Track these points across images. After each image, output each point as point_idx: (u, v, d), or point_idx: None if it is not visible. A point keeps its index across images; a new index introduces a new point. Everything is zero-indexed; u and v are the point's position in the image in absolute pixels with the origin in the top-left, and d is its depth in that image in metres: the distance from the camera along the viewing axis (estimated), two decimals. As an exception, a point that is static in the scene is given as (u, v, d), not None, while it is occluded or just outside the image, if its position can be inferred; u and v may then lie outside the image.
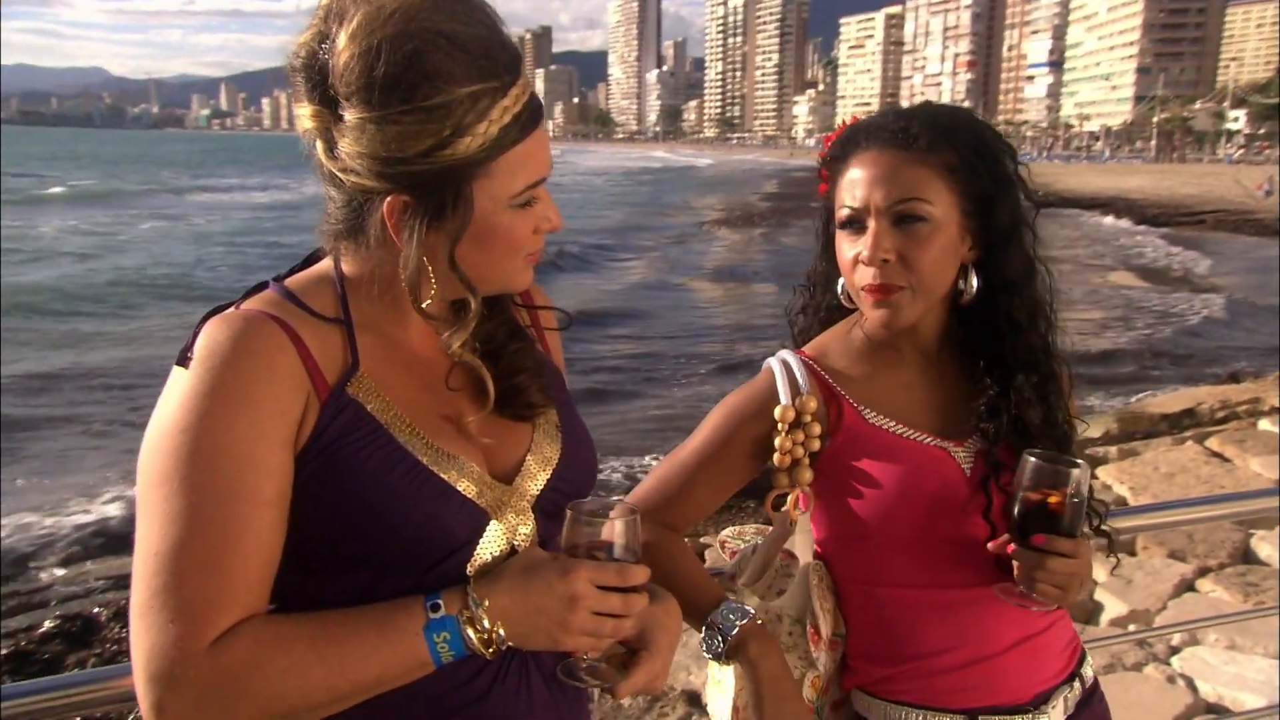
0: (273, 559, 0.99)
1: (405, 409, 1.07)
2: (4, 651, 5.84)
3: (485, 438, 1.12)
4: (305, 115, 1.03)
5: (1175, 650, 4.06)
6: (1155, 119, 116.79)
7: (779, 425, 1.40)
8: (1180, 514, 2.64)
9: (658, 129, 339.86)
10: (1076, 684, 1.46)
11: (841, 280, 1.45)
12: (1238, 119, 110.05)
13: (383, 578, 1.03)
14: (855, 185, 1.37)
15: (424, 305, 1.06)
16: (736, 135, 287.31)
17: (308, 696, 0.96)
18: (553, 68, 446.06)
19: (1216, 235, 36.97)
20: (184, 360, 0.99)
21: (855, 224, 1.37)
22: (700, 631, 1.40)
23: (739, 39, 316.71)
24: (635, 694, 1.11)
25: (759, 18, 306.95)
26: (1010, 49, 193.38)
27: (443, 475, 1.05)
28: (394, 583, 1.02)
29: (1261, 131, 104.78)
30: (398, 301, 1.08)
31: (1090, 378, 13.52)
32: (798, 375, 1.43)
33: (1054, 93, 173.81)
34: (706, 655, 1.39)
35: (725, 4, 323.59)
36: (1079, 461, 1.31)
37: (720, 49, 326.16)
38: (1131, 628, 4.38)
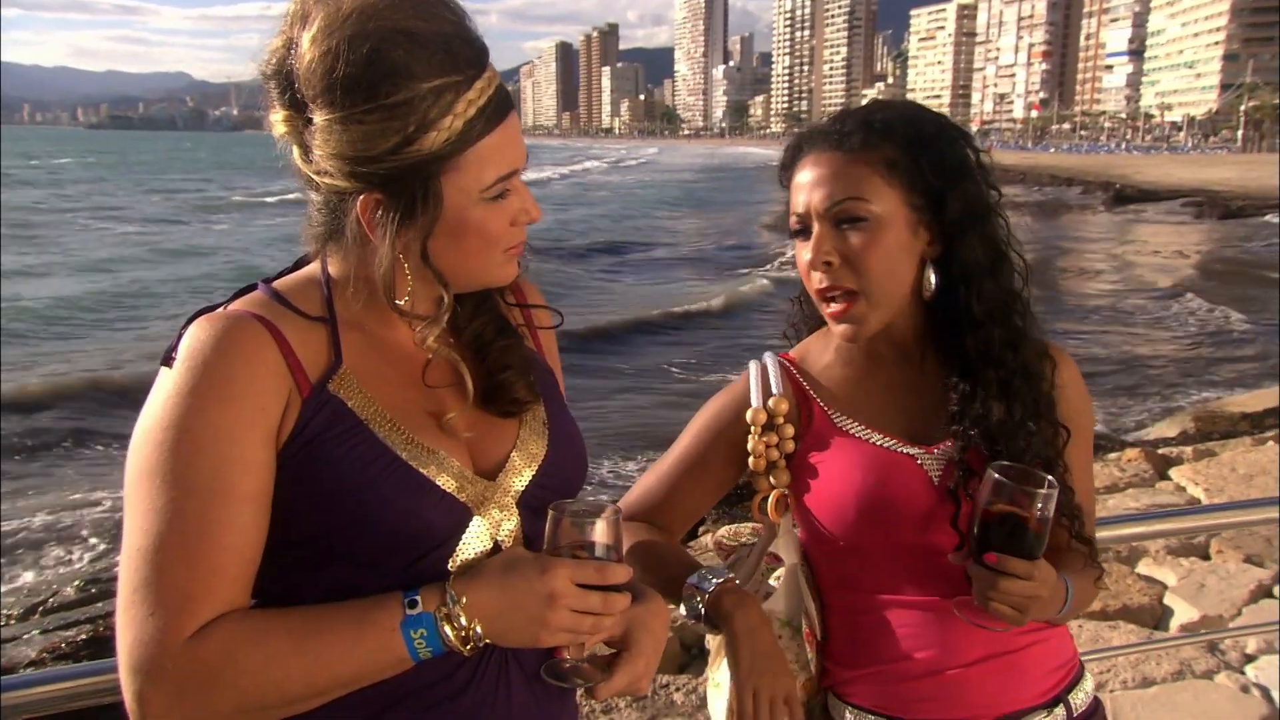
0: (254, 554, 1.01)
1: (387, 405, 1.08)
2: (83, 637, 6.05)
3: (470, 434, 1.13)
4: (278, 121, 1.06)
5: (1250, 658, 3.90)
6: (1243, 108, 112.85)
7: (751, 427, 1.41)
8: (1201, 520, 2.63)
9: (723, 125, 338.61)
10: (1060, 709, 1.39)
11: None
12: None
13: (364, 573, 1.04)
14: (799, 191, 1.36)
15: (400, 302, 1.07)
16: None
17: (285, 690, 0.97)
18: (618, 65, 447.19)
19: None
20: (168, 359, 1.01)
21: (803, 231, 1.36)
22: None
23: (807, 32, 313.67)
24: (617, 695, 1.10)
25: (827, 11, 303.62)
26: (1088, 38, 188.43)
27: (422, 470, 1.06)
28: (375, 578, 1.03)
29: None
30: (380, 300, 1.09)
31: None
32: (772, 378, 1.44)
33: (1134, 82, 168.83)
34: (687, 619, 1.37)
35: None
36: (1047, 478, 1.25)
37: (788, 43, 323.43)
38: (1202, 632, 4.23)
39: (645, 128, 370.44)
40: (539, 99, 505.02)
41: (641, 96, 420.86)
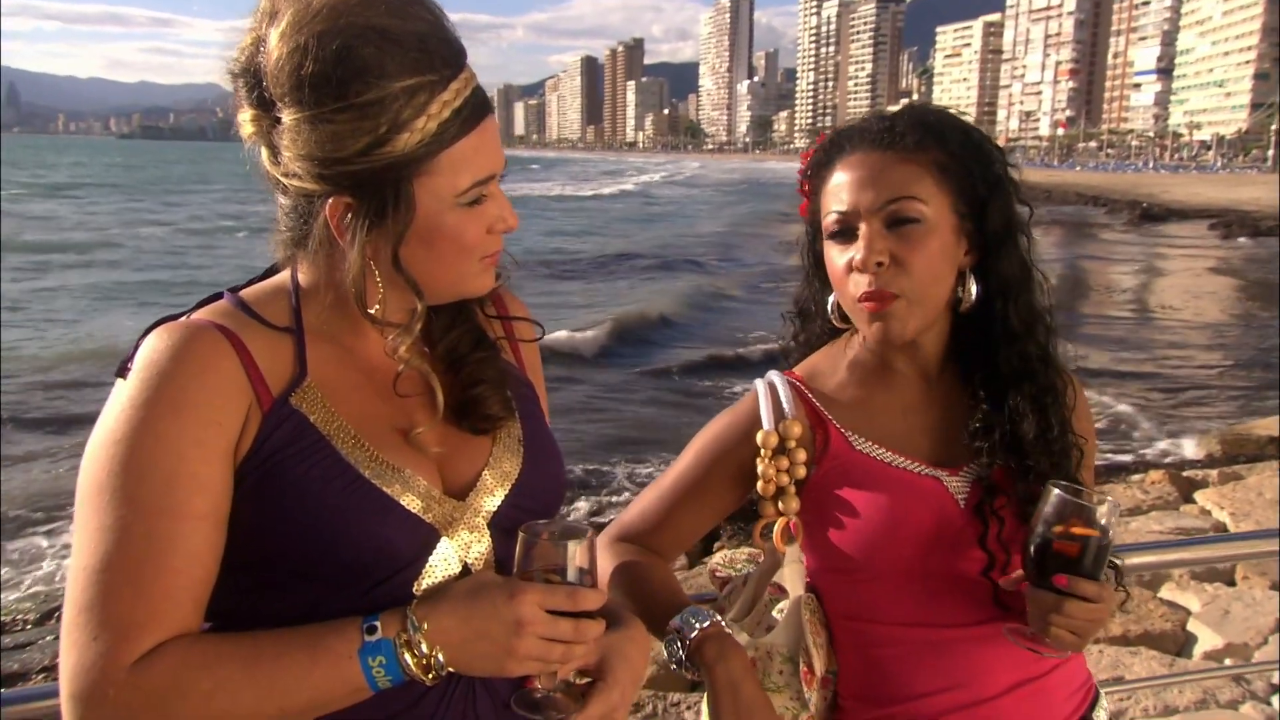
0: (207, 575, 0.96)
1: (353, 420, 1.04)
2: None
3: (440, 450, 1.09)
4: (245, 121, 1.02)
5: (1277, 688, 3.80)
6: (1274, 126, 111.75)
7: (762, 451, 1.33)
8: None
9: (747, 140, 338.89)
10: None
11: (832, 297, 1.37)
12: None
13: (324, 596, 0.99)
14: (842, 190, 1.29)
15: (371, 310, 1.03)
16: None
17: (236, 718, 0.92)
18: (643, 80, 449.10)
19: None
20: (123, 371, 0.98)
21: (845, 232, 1.29)
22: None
23: (832, 49, 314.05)
24: None
25: (853, 27, 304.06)
26: (1116, 56, 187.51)
27: (385, 489, 1.01)
28: (336, 602, 0.98)
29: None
30: (351, 310, 1.04)
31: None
32: (783, 399, 1.36)
33: (1162, 101, 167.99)
34: (671, 664, 1.29)
35: (818, 14, 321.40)
36: (1107, 496, 1.20)
37: (813, 59, 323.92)
38: (1227, 662, 4.13)
39: (669, 142, 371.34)
40: (564, 113, 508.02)
41: (665, 111, 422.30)
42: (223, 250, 32.41)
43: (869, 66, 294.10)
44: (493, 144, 1.05)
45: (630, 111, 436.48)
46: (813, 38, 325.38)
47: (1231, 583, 4.94)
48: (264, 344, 1.02)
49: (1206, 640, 4.34)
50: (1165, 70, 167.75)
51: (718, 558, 1.56)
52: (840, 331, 1.43)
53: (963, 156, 1.29)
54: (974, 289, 1.31)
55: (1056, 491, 1.18)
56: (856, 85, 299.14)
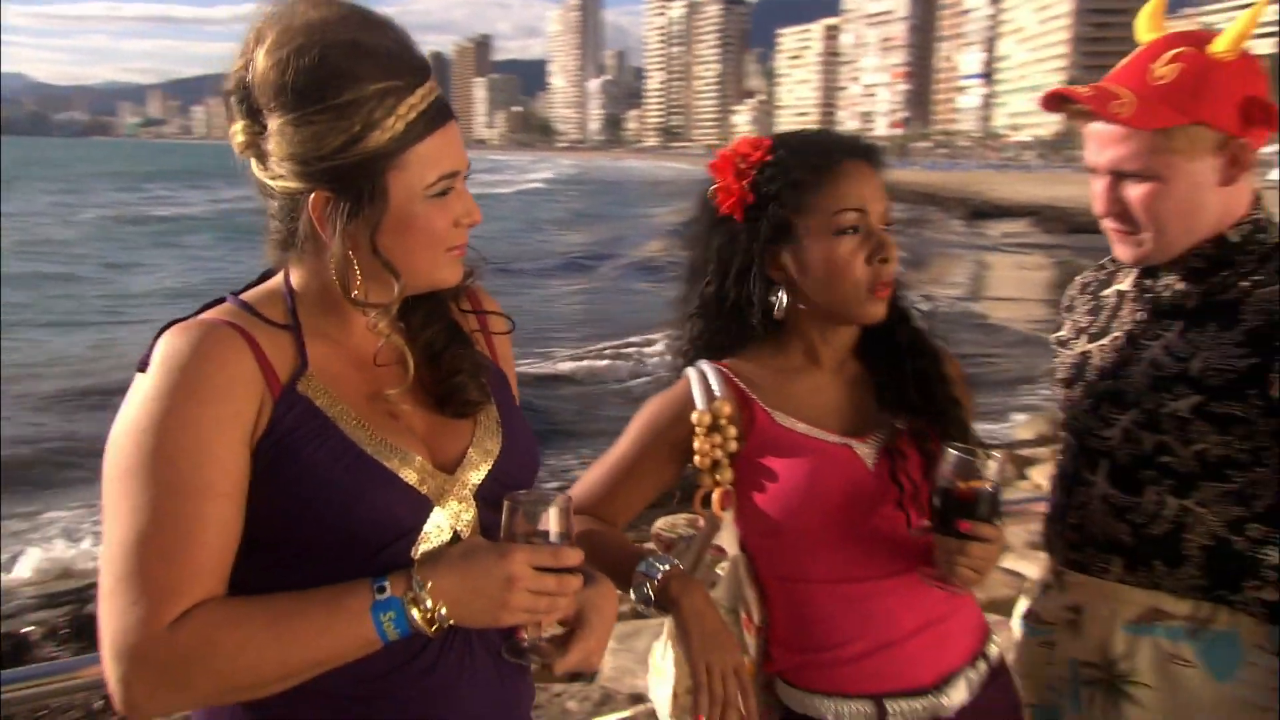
0: (230, 546, 1.08)
1: (352, 405, 1.16)
2: None
3: (428, 432, 1.22)
4: (238, 131, 1.14)
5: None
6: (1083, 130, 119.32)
7: (696, 429, 1.52)
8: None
9: (600, 137, 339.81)
10: (981, 664, 1.56)
11: (781, 294, 1.53)
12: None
13: (333, 563, 1.10)
14: (849, 197, 1.48)
15: (353, 295, 1.14)
16: (679, 144, 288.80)
17: (261, 672, 1.04)
18: (494, 76, 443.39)
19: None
20: (144, 366, 1.08)
21: (859, 228, 1.48)
22: (632, 595, 1.48)
23: (680, 48, 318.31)
24: (572, 669, 1.20)
25: (699, 27, 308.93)
26: (945, 60, 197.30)
27: (386, 464, 1.14)
28: (344, 566, 1.10)
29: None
30: (339, 308, 1.17)
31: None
32: (712, 383, 1.54)
33: (986, 103, 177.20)
34: (637, 604, 1.47)
35: (665, 14, 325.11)
36: (995, 453, 1.40)
37: (661, 58, 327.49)
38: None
39: (521, 139, 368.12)
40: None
41: (517, 108, 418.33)
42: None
43: (716, 67, 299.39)
44: (456, 144, 1.17)
45: (480, 108, 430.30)
46: (660, 37, 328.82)
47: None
48: (269, 339, 1.14)
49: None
50: (987, 75, 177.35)
51: (660, 523, 1.70)
52: (746, 328, 1.57)
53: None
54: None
55: (953, 452, 1.39)
56: (705, 84, 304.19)
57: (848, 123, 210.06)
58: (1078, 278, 1.83)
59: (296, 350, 1.16)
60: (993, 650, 1.61)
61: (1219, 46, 1.41)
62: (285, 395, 1.12)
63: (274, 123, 1.11)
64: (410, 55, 1.15)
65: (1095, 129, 1.50)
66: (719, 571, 1.53)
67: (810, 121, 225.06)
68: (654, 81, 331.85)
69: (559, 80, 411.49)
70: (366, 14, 1.14)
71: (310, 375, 1.15)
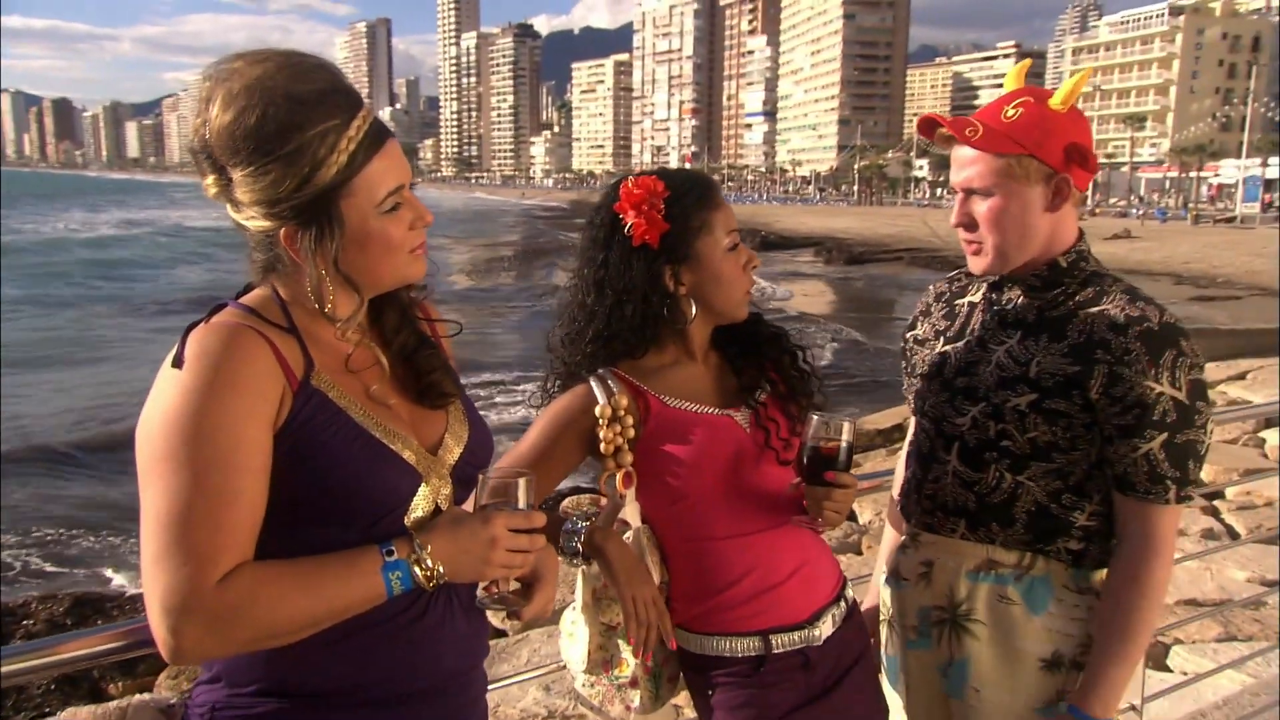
0: (258, 518, 1.23)
1: (355, 398, 1.33)
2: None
3: (412, 421, 1.40)
4: (210, 184, 1.29)
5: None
6: (856, 166, 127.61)
7: (600, 420, 1.75)
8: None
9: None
10: (842, 603, 1.88)
11: (692, 304, 1.82)
12: (922, 167, 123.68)
13: (338, 531, 1.28)
14: (729, 224, 1.82)
15: (328, 309, 1.30)
16: (475, 175, 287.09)
17: (293, 621, 1.21)
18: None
19: (911, 271, 41.52)
20: (179, 362, 1.21)
21: (736, 245, 1.82)
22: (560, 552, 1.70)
23: (473, 79, 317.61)
24: (535, 615, 1.45)
25: (492, 59, 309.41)
26: (729, 98, 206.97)
27: (391, 446, 1.32)
28: (347, 535, 1.27)
29: (942, 179, 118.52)
30: (323, 316, 1.32)
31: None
32: (610, 383, 1.78)
33: (769, 140, 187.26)
34: (564, 557, 1.70)
35: (458, 44, 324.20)
36: (848, 418, 1.71)
37: (455, 89, 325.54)
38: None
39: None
40: (185, 134, 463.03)
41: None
42: None
43: (511, 98, 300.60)
44: (398, 161, 1.32)
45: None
46: (453, 68, 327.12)
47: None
48: (279, 340, 1.28)
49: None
50: (770, 113, 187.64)
51: (566, 502, 1.94)
52: (645, 341, 1.82)
53: None
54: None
55: (816, 416, 1.71)
56: (500, 115, 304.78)
57: (643, 155, 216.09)
58: (931, 286, 2.10)
59: (301, 350, 1.30)
60: (849, 593, 1.93)
61: (1055, 100, 1.74)
62: (303, 388, 1.27)
63: (236, 175, 1.25)
64: (341, 92, 1.28)
65: (956, 153, 1.80)
66: (625, 540, 1.76)
67: (607, 155, 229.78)
68: (448, 111, 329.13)
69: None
70: (299, 62, 1.28)
71: (318, 372, 1.30)
